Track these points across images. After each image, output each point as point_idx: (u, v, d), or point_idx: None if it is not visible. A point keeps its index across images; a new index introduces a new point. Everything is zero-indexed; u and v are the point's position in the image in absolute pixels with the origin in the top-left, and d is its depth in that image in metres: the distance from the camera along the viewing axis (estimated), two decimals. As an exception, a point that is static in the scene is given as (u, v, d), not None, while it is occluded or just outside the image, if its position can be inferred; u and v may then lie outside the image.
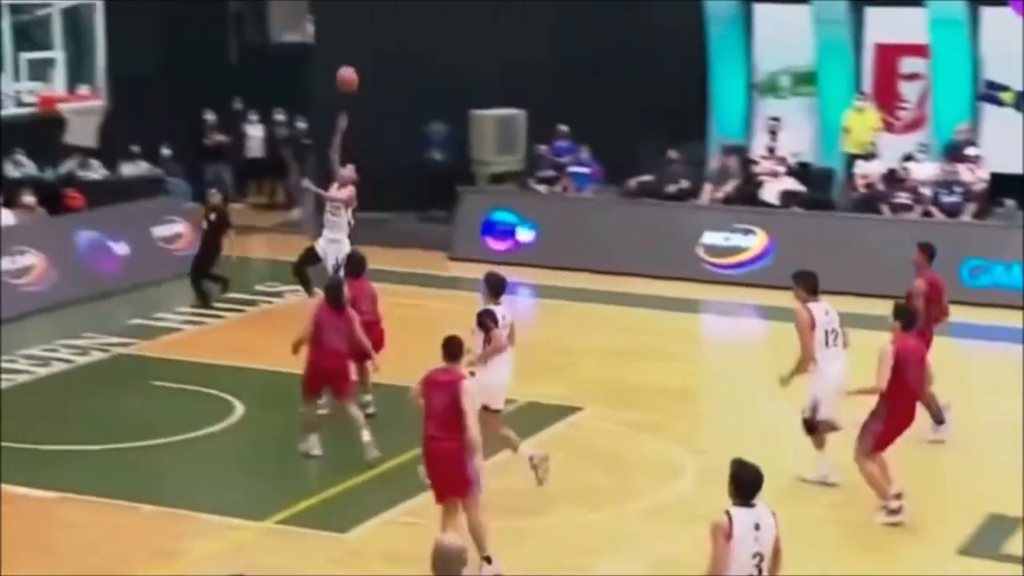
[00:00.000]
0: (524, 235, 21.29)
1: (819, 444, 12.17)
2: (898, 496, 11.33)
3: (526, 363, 15.89)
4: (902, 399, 11.30)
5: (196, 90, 24.07)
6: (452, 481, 10.17)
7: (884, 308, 11.88)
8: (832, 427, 12.10)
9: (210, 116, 24.59)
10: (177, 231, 20.15)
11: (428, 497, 11.59)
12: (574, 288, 19.46)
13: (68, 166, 21.65)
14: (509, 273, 19.63)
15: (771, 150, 21.36)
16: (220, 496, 11.91)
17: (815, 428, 12.10)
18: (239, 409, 13.87)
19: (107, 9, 14.55)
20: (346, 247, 14.99)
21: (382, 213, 23.18)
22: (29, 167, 21.53)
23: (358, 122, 22.74)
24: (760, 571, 7.65)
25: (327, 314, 12.47)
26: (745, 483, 7.71)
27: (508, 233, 21.36)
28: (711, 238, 20.17)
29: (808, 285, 12.10)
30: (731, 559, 7.58)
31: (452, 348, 10.46)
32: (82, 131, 14.28)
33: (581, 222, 20.95)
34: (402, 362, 15.07)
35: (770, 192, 20.84)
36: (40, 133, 18.62)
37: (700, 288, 19.43)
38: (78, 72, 14.35)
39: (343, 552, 10.82)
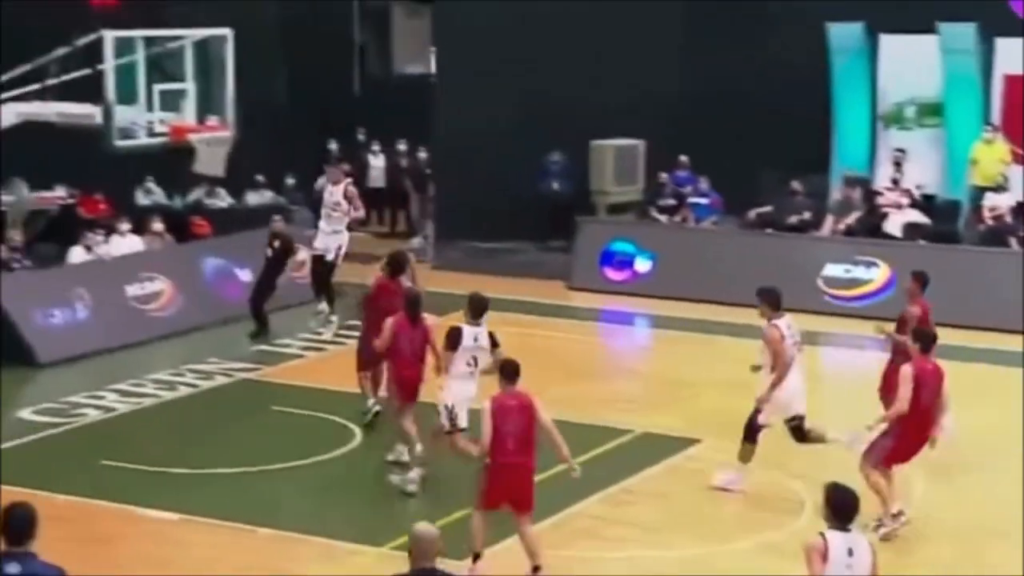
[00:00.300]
0: (642, 265, 21.24)
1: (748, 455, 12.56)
2: (896, 515, 11.39)
3: (642, 394, 15.91)
4: (914, 419, 11.37)
5: (320, 120, 24.50)
6: (526, 498, 10.54)
7: (1013, 343, 11.65)
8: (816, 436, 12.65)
9: (333, 146, 24.98)
10: (300, 259, 20.43)
11: (544, 526, 11.64)
12: (692, 319, 19.35)
13: (196, 194, 22.18)
14: (627, 303, 19.89)
15: (895, 182, 21.08)
16: (338, 521, 12.00)
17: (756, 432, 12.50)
18: (358, 436, 14.00)
19: (236, 41, 14.83)
20: (346, 237, 15.02)
21: (501, 243, 23.35)
22: (158, 195, 22.11)
23: (478, 152, 23.11)
24: None
25: (405, 326, 12.63)
26: (841, 507, 7.68)
27: (626, 263, 21.33)
28: (832, 270, 19.94)
29: (771, 301, 12.50)
30: None
31: (510, 371, 10.71)
32: (210, 160, 14.57)
33: (700, 253, 20.85)
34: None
35: (894, 224, 20.55)
36: (170, 162, 19.07)
37: (820, 320, 19.16)
38: (207, 103, 14.64)
39: (460, 578, 10.85)
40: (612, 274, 21.31)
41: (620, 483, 12.70)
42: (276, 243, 18.03)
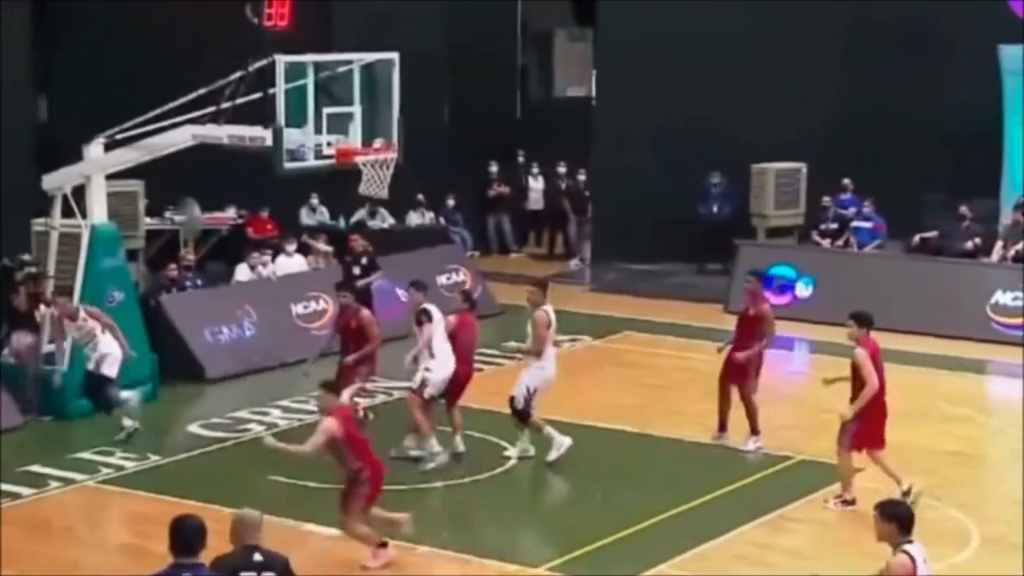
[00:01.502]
0: (803, 290, 21.00)
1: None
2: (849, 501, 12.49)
3: (802, 420, 15.71)
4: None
5: (482, 143, 24.78)
6: None
7: None
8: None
9: (494, 168, 25.24)
10: (459, 279, 20.70)
11: (700, 551, 11.59)
12: (854, 345, 19.03)
13: (359, 215, 22.61)
14: (787, 328, 19.62)
15: (1066, 207, 20.50)
16: (495, 540, 12.08)
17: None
18: (514, 455, 14.09)
19: (402, 65, 15.09)
20: None
21: (659, 265, 23.31)
22: (323, 215, 22.60)
23: (637, 175, 23.13)
24: None
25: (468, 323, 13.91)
26: (907, 520, 8.11)
27: (787, 287, 21.10)
28: (1002, 297, 19.45)
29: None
30: None
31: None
32: (375, 182, 14.80)
33: (862, 278, 20.49)
34: (672, 411, 15.12)
35: (1066, 251, 20.00)
36: (335, 183, 19.47)
37: (989, 348, 18.74)
38: (373, 126, 14.89)
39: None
40: (772, 298, 21.03)
41: (779, 510, 12.56)
42: (364, 260, 18.13)
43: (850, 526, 12.35)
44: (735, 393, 14.33)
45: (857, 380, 12.76)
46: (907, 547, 8.03)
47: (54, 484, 13.26)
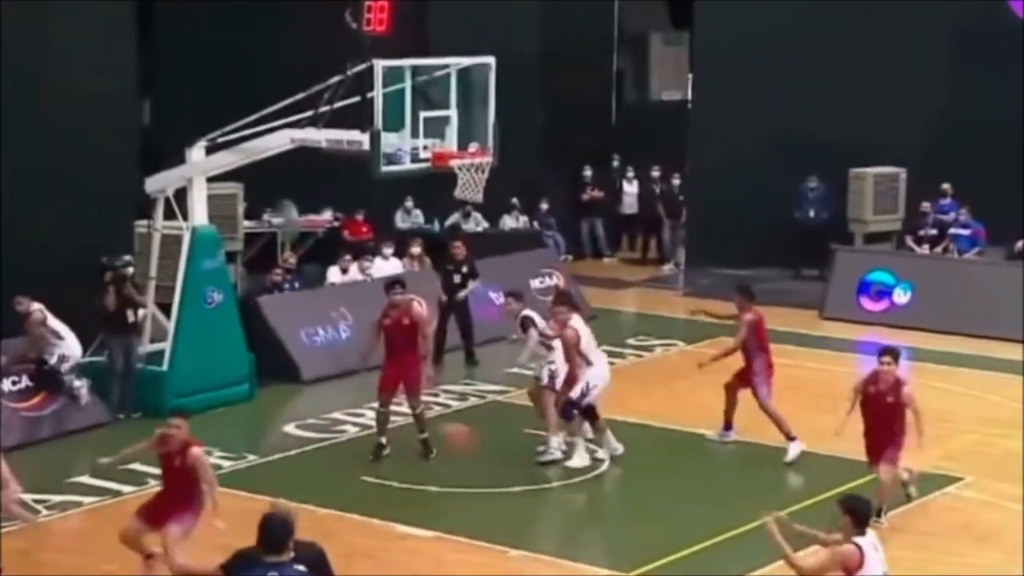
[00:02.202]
0: (900, 296, 20.73)
1: None
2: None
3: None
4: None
5: (576, 146, 24.77)
6: None
7: None
8: None
9: (588, 172, 25.22)
10: (552, 284, 20.70)
11: (780, 564, 11.47)
12: (952, 352, 18.80)
13: (453, 218, 22.71)
14: (884, 335, 19.37)
15: None
16: (585, 545, 12.13)
17: None
18: (606, 460, 14.08)
19: (498, 69, 15.14)
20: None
21: (754, 270, 23.11)
22: (418, 218, 22.73)
23: (732, 179, 22.97)
24: None
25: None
26: (864, 514, 8.65)
27: (884, 294, 20.85)
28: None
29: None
30: None
31: None
32: (470, 186, 14.87)
33: (961, 284, 20.22)
34: (767, 418, 14.95)
35: None
36: (430, 187, 19.59)
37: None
38: (469, 129, 14.96)
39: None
40: (869, 304, 20.85)
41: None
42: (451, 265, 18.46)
43: (950, 537, 12.21)
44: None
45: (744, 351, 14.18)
46: (857, 539, 8.57)
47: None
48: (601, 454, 13.98)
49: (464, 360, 18.08)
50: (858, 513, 8.57)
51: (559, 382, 13.99)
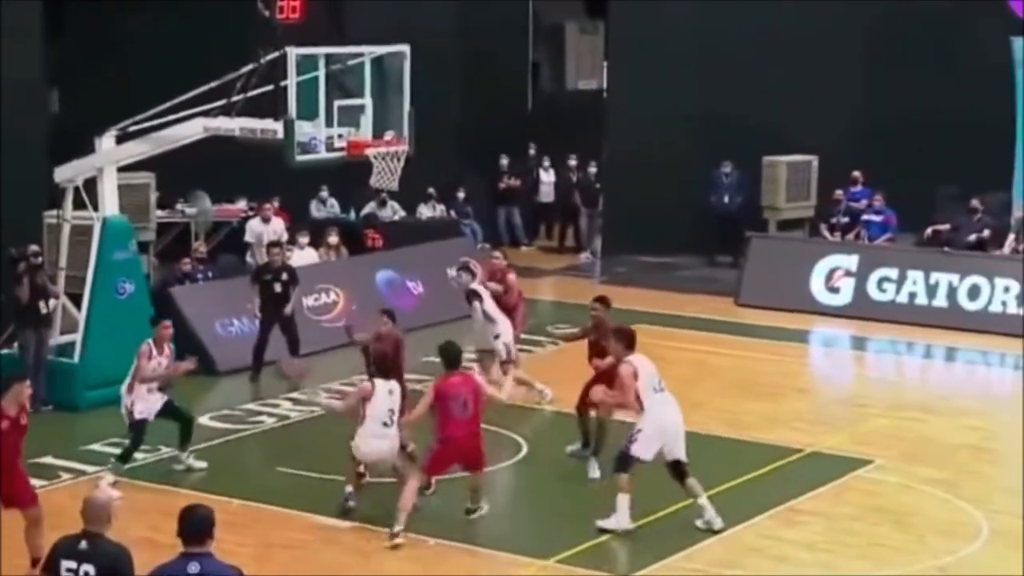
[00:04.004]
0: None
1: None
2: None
3: (812, 413, 15.72)
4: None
5: (493, 135, 24.77)
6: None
7: None
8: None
9: (504, 161, 25.23)
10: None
11: (708, 544, 11.59)
12: (864, 338, 19.12)
13: (369, 207, 22.62)
14: (798, 321, 19.59)
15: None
16: (505, 533, 12.08)
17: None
18: (524, 448, 14.09)
19: (413, 58, 15.08)
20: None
21: (671, 257, 23.30)
22: (334, 207, 22.61)
23: (648, 167, 23.10)
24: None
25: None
26: (632, 336, 11.44)
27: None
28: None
29: (626, 340, 11.80)
30: None
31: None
32: (386, 174, 14.81)
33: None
34: (685, 404, 15.02)
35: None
36: (345, 176, 19.48)
37: (998, 340, 18.73)
38: (384, 118, 14.89)
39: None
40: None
41: (788, 503, 12.55)
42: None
43: (861, 520, 12.33)
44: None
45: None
46: (630, 358, 10.94)
47: (65, 476, 13.29)
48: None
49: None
50: (628, 336, 11.33)
51: (514, 352, 14.86)
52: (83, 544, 7.43)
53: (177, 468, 13.35)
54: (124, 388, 13.07)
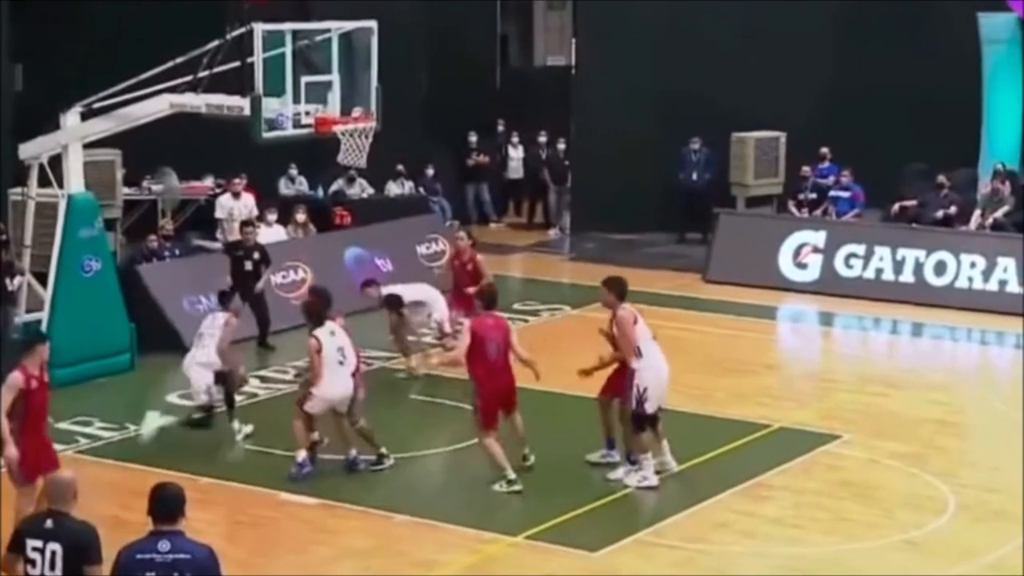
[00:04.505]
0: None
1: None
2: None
3: (780, 388, 15.79)
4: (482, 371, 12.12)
5: (461, 112, 24.69)
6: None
7: None
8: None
9: (473, 137, 25.17)
10: (438, 249, 20.67)
11: (676, 520, 11.64)
12: (832, 313, 19.20)
13: (337, 185, 22.53)
14: (766, 297, 19.64)
15: (1041, 176, 20.57)
16: (473, 509, 12.06)
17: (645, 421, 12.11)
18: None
19: (381, 34, 15.02)
20: None
21: (639, 234, 23.31)
22: (302, 185, 22.51)
23: (617, 144, 23.08)
24: None
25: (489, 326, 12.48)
26: (624, 286, 11.52)
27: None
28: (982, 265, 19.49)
29: (618, 290, 12.19)
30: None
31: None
32: (353, 151, 14.77)
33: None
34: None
35: (1045, 220, 20.05)
36: (313, 153, 19.39)
37: (970, 317, 18.81)
38: (352, 95, 14.84)
39: (591, 571, 10.83)
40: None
41: (756, 478, 12.59)
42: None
43: (828, 495, 12.38)
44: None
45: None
46: (625, 305, 11.69)
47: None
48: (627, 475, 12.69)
49: (257, 346, 17.19)
50: (622, 287, 11.85)
51: (447, 327, 14.95)
52: (49, 523, 7.38)
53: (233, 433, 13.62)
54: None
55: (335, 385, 12.42)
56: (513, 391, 12.40)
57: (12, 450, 10.42)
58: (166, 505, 7.13)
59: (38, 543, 7.32)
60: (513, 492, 12.11)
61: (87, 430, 13.81)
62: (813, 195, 21.98)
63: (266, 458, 13.11)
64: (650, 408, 12.11)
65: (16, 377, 10.36)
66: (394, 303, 15.55)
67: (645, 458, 12.19)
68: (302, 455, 12.43)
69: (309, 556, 10.98)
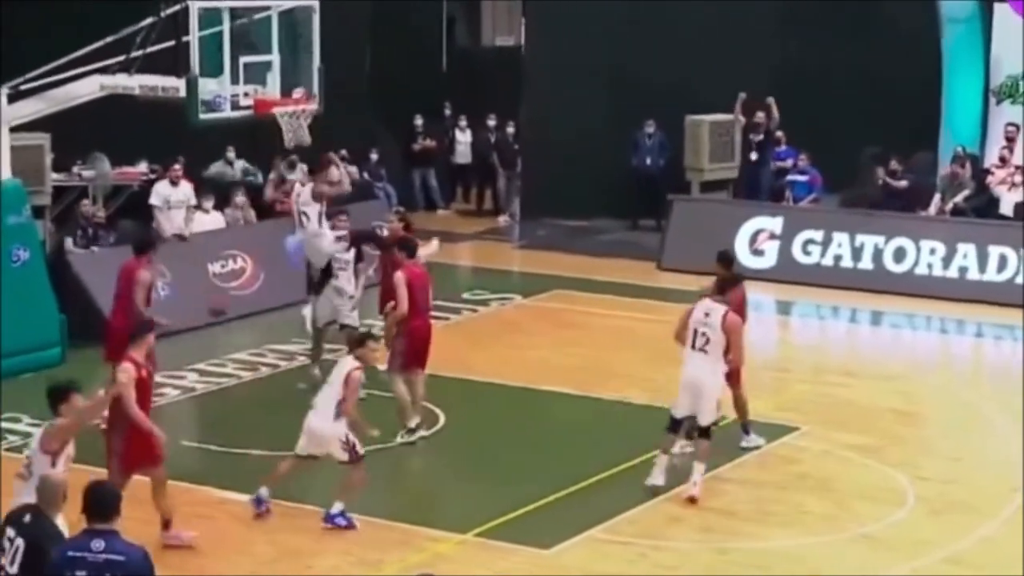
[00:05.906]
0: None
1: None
2: (413, 429, 12.83)
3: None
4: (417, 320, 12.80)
5: (406, 94, 24.23)
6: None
7: None
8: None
9: (419, 121, 24.66)
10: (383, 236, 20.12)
11: (630, 515, 11.34)
12: (788, 302, 19.04)
13: (277, 169, 21.94)
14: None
15: (1003, 159, 20.38)
16: (422, 506, 11.85)
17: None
18: (442, 419, 13.69)
19: (323, 13, 14.64)
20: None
21: (591, 220, 22.94)
22: (240, 169, 21.92)
23: (568, 128, 22.69)
24: None
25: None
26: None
27: (721, 243, 20.73)
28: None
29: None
30: None
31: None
32: (295, 134, 14.42)
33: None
34: (607, 372, 14.78)
35: (1006, 204, 19.85)
36: (252, 136, 18.90)
37: (930, 304, 18.59)
38: (293, 75, 14.50)
39: (543, 569, 10.59)
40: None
41: (712, 471, 12.27)
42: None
43: (785, 488, 12.15)
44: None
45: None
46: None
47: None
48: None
49: None
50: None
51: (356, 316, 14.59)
52: (27, 517, 7.53)
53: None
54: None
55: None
56: (431, 339, 12.93)
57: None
58: (101, 503, 7.13)
59: (11, 533, 7.49)
60: (407, 444, 12.66)
61: (16, 427, 13.35)
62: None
63: (206, 455, 12.82)
64: (679, 413, 12.04)
65: (129, 368, 10.50)
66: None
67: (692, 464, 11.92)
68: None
69: (249, 556, 10.71)
